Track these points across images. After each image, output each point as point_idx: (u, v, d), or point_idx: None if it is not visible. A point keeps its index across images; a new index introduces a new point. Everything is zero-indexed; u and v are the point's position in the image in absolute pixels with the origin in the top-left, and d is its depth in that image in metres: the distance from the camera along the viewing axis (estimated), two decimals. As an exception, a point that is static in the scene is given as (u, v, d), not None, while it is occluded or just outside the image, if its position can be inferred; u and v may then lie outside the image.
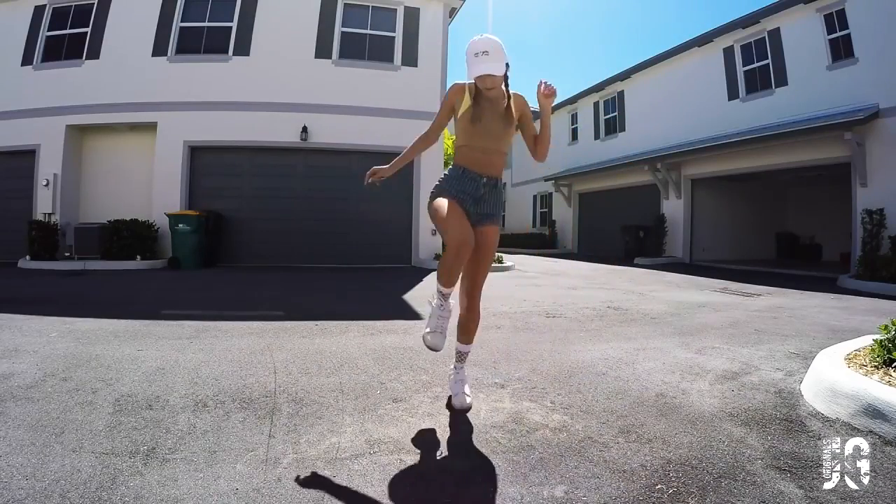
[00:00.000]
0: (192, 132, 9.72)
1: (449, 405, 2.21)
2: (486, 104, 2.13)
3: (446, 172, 2.24)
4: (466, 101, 2.12)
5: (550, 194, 20.34)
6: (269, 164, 10.06)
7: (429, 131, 2.26)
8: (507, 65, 2.07)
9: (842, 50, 9.96)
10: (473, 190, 2.15)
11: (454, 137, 2.29)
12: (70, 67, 9.75)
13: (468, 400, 2.21)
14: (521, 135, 2.27)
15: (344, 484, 1.53)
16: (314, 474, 1.58)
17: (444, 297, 2.12)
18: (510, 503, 1.45)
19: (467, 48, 2.03)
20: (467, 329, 2.26)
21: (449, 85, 2.23)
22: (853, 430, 1.93)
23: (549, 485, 1.55)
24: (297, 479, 1.54)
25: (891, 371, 2.20)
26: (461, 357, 2.30)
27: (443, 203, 2.12)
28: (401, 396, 2.33)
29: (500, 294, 6.16)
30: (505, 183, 25.83)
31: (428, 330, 2.14)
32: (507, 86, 2.15)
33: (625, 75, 16.19)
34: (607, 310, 5.07)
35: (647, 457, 1.74)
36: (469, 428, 1.99)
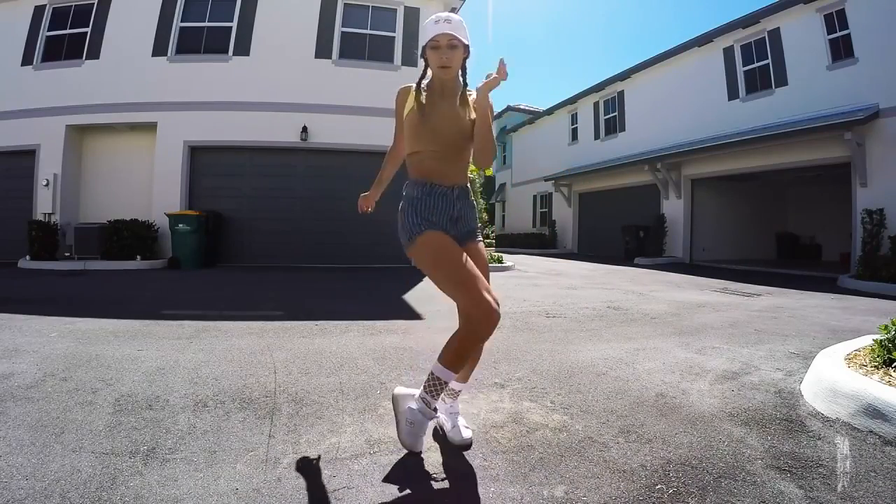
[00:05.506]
0: (192, 132, 9.72)
1: (438, 438, 1.88)
2: (436, 98, 1.77)
3: (406, 192, 1.79)
4: (410, 101, 1.78)
5: (550, 194, 20.36)
6: (269, 164, 10.06)
7: (393, 144, 1.99)
8: (468, 47, 1.74)
9: (842, 50, 9.97)
10: (450, 209, 1.76)
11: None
12: (70, 67, 9.75)
13: (468, 433, 1.84)
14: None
15: (344, 484, 1.53)
16: (314, 474, 1.58)
17: (439, 392, 1.64)
18: (510, 503, 1.45)
19: (425, 23, 1.75)
20: (469, 364, 1.85)
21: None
22: (853, 430, 1.93)
23: (549, 485, 1.55)
24: (297, 480, 1.54)
25: (891, 371, 2.20)
26: (455, 395, 1.90)
27: (443, 244, 1.69)
28: (401, 396, 2.33)
29: (500, 294, 6.12)
30: (504, 183, 25.86)
31: (406, 439, 1.67)
32: (464, 75, 1.80)
33: (625, 75, 16.20)
34: (607, 310, 5.07)
35: (647, 457, 1.74)
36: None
